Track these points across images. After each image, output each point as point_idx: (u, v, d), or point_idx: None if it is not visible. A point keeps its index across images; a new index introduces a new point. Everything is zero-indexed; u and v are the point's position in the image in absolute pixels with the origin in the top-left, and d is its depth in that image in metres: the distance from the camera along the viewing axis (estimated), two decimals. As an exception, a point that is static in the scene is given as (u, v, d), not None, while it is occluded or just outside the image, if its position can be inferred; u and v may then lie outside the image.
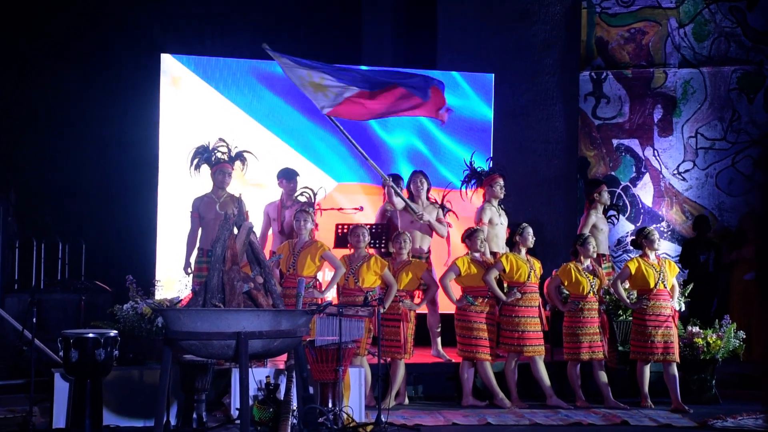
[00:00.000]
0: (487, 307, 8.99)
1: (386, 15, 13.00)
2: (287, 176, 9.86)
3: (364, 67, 10.11)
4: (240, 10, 12.34)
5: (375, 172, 10.79)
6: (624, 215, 12.26)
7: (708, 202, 12.22)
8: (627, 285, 9.28)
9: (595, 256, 9.34)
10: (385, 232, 9.60)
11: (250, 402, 7.19)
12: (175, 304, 8.52)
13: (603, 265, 9.85)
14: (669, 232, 12.20)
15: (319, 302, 8.40)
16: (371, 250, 9.26)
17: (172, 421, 7.71)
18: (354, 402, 7.91)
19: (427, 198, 9.84)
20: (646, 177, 12.37)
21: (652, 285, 9.04)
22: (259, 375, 7.50)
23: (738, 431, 8.09)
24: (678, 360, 9.03)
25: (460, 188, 10.17)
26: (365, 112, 9.34)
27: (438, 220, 9.70)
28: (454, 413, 8.59)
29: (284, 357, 7.83)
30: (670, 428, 8.20)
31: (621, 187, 12.38)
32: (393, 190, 9.51)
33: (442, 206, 9.85)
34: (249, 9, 12.31)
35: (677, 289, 9.27)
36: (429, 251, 9.78)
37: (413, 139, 11.58)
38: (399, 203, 9.61)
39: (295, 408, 7.28)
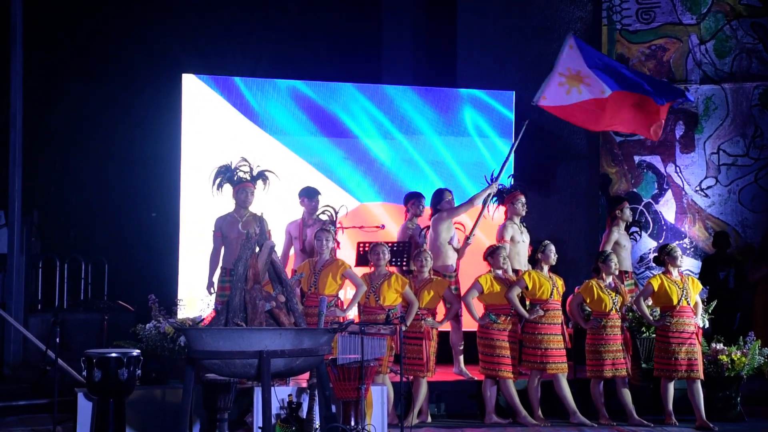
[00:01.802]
0: (510, 325, 8.96)
1: (406, 33, 13.05)
2: (309, 195, 9.88)
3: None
4: (261, 30, 12.43)
5: (396, 191, 10.87)
6: (646, 232, 12.21)
7: (731, 219, 12.16)
8: (650, 302, 9.23)
9: (617, 273, 9.30)
10: (406, 250, 9.60)
11: (273, 421, 7.18)
12: (198, 324, 8.54)
13: (626, 282, 9.80)
14: (692, 249, 12.14)
15: (341, 321, 8.39)
16: (392, 268, 9.26)
17: (195, 440, 7.73)
18: (376, 420, 7.89)
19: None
20: (668, 193, 12.32)
21: (675, 302, 8.99)
22: (281, 394, 7.50)
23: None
24: (702, 377, 8.97)
25: (482, 205, 10.17)
26: (587, 119, 9.97)
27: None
28: (477, 431, 8.56)
29: (306, 375, 7.83)
30: (695, 446, 8.16)
31: (643, 203, 12.34)
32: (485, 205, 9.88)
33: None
34: (270, 29, 12.39)
35: (700, 306, 9.22)
36: (456, 268, 9.78)
37: (434, 156, 11.58)
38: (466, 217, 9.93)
39: (317, 427, 7.28)
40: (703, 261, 11.84)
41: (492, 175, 10.08)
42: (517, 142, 10.35)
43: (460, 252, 9.76)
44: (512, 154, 10.33)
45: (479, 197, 9.90)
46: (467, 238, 9.78)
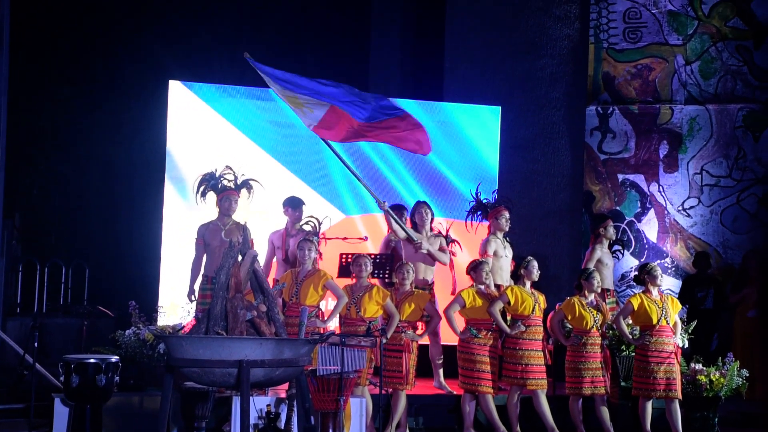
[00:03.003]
0: (491, 340, 8.96)
1: (394, 46, 13.08)
2: (293, 205, 9.88)
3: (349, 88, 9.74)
4: (248, 39, 12.41)
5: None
6: (628, 250, 12.24)
7: (712, 239, 12.21)
8: (630, 321, 9.26)
9: (599, 290, 9.32)
10: (388, 262, 9.60)
11: (251, 431, 7.15)
12: (178, 331, 8.51)
13: (607, 300, 9.83)
14: (673, 268, 12.18)
15: (322, 331, 8.38)
16: (375, 280, 9.25)
17: (172, 449, 7.70)
18: (355, 433, 7.88)
19: (431, 228, 9.86)
20: (651, 212, 12.36)
21: (654, 321, 9.01)
22: (259, 404, 7.47)
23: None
24: (680, 397, 8.99)
25: (466, 220, 10.18)
26: (350, 133, 9.27)
27: (441, 248, 9.70)
28: (454, 446, 8.57)
29: (285, 386, 7.81)
30: (672, 466, 8.17)
31: (626, 222, 12.38)
32: (390, 216, 9.50)
33: (446, 236, 9.87)
34: (257, 37, 12.38)
35: (680, 326, 9.24)
36: (433, 282, 9.78)
37: (418, 170, 11.58)
38: (398, 230, 9.60)
39: (295, 437, 7.26)
40: (683, 281, 11.87)
41: (476, 191, 10.13)
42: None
43: (415, 244, 9.57)
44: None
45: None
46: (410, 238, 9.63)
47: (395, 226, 9.55)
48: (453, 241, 9.92)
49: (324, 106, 9.11)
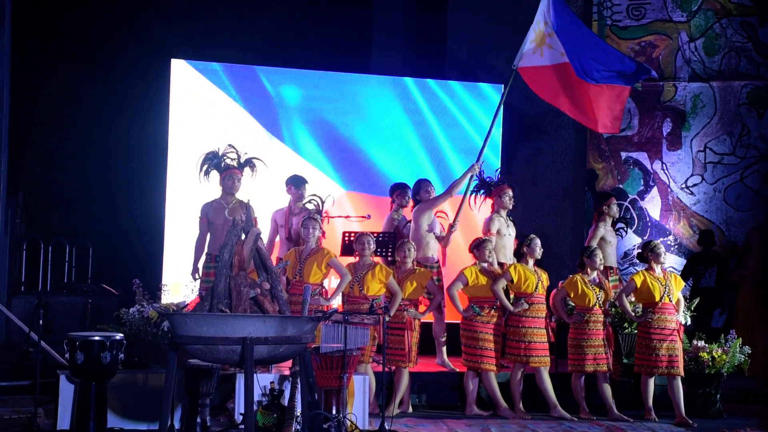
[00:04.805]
0: (494, 318, 8.99)
1: (397, 24, 13.04)
2: (296, 183, 9.88)
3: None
4: (251, 17, 12.40)
5: (383, 181, 10.88)
6: (631, 228, 12.24)
7: (715, 217, 12.21)
8: (632, 298, 9.28)
9: (602, 268, 9.34)
10: (392, 240, 9.62)
11: (254, 407, 7.19)
12: (182, 309, 8.54)
13: (610, 278, 9.85)
14: (676, 246, 12.19)
15: (325, 309, 8.41)
16: (378, 259, 9.27)
17: (176, 425, 7.74)
18: (358, 409, 7.91)
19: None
20: (654, 190, 12.36)
21: (657, 298, 9.03)
22: (263, 381, 7.51)
23: (742, 446, 8.09)
24: (682, 374, 9.02)
25: (469, 197, 10.19)
26: (550, 93, 9.95)
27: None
28: (457, 422, 8.60)
29: (289, 363, 7.84)
30: (674, 442, 8.20)
31: (629, 200, 12.37)
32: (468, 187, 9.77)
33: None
34: (259, 16, 12.36)
35: (683, 303, 9.26)
36: (439, 260, 9.80)
37: (420, 148, 11.57)
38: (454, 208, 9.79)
39: (298, 414, 7.29)
40: (688, 258, 11.88)
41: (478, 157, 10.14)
42: (500, 111, 10.30)
43: (444, 240, 9.76)
44: (490, 135, 10.24)
45: (458, 184, 9.91)
46: (451, 225, 9.80)
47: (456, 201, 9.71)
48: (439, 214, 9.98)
49: (563, 56, 9.71)
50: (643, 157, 12.40)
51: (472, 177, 9.95)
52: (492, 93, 11.77)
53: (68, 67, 11.84)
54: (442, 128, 11.61)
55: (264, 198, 10.29)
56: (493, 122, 10.21)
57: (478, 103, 11.78)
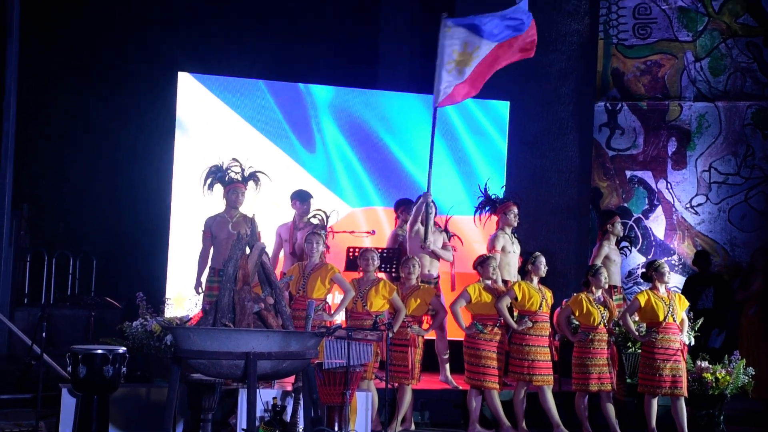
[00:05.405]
0: (497, 335, 8.96)
1: (403, 40, 13.07)
2: (301, 198, 9.88)
3: None
4: (257, 30, 12.43)
5: (388, 197, 10.86)
6: (636, 247, 12.23)
7: (720, 237, 12.20)
8: (636, 317, 9.25)
9: (606, 287, 9.32)
10: (396, 256, 9.60)
11: (257, 423, 7.17)
12: (185, 323, 8.53)
13: (614, 297, 9.83)
14: (680, 266, 12.17)
15: (329, 325, 8.39)
16: (381, 275, 9.25)
17: (178, 440, 7.72)
18: (360, 426, 7.88)
19: (435, 223, 9.86)
20: (659, 209, 12.35)
21: (661, 318, 9.00)
22: (266, 396, 7.49)
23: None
24: (686, 394, 8.98)
25: (474, 214, 10.18)
26: (469, 90, 9.85)
27: (444, 244, 9.68)
28: (460, 441, 8.58)
29: (291, 379, 7.82)
30: (678, 463, 8.16)
31: (633, 218, 12.37)
32: (426, 211, 9.47)
33: (446, 230, 9.85)
34: (266, 29, 12.40)
35: (686, 323, 9.24)
36: (438, 276, 9.77)
37: (426, 163, 11.56)
38: (420, 227, 9.56)
39: (300, 430, 7.27)
40: (686, 279, 11.87)
41: (485, 186, 10.15)
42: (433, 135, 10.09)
43: (424, 242, 9.56)
44: (432, 160, 9.84)
45: (414, 222, 9.69)
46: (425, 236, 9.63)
47: (418, 224, 9.52)
48: (453, 235, 9.91)
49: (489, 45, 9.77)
50: (647, 176, 12.41)
51: (428, 206, 9.58)
52: (497, 109, 11.78)
53: (75, 80, 11.87)
54: (445, 144, 11.60)
55: (268, 212, 10.29)
56: (431, 145, 9.77)
57: (485, 118, 11.78)
